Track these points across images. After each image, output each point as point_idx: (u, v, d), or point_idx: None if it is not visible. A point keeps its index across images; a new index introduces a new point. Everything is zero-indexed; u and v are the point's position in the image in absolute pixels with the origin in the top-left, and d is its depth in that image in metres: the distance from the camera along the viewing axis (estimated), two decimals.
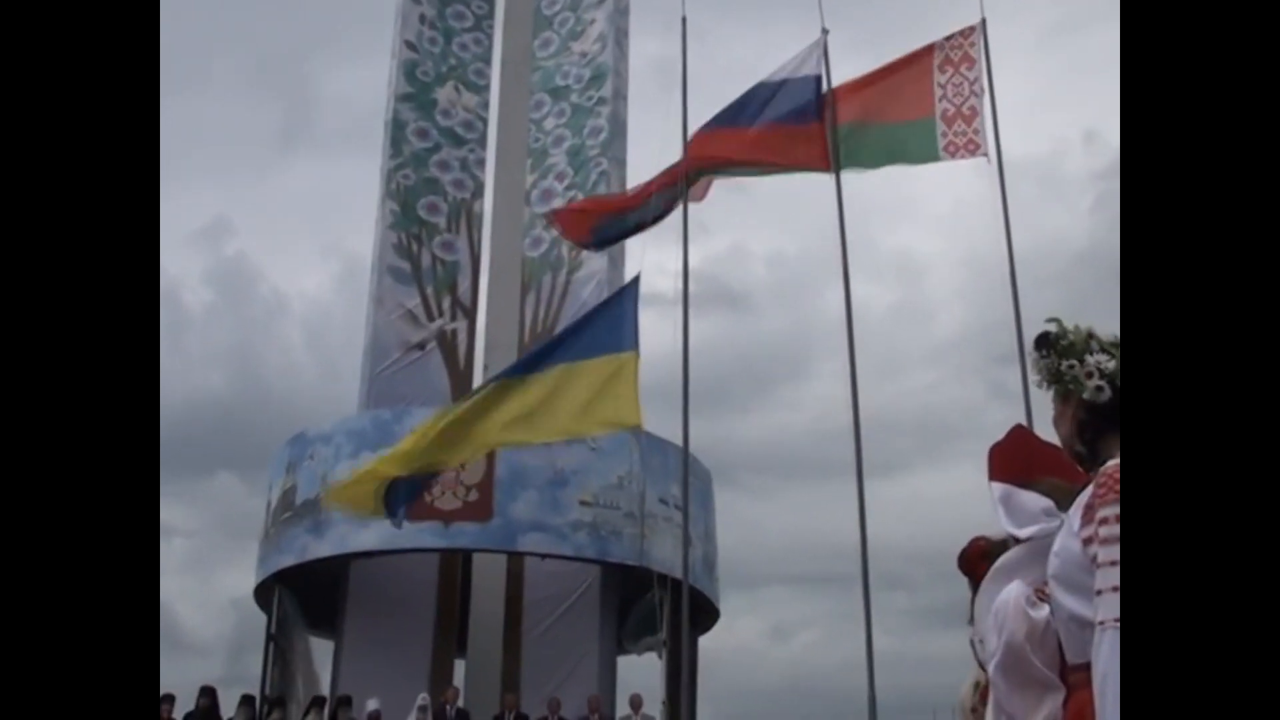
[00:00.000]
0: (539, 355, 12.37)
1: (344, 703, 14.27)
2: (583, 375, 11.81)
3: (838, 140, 13.48)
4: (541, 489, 15.58)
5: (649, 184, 13.82)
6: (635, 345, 11.87)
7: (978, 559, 3.43)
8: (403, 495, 11.60)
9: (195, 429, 35.16)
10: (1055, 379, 2.44)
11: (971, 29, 13.85)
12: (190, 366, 40.97)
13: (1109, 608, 2.03)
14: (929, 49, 13.84)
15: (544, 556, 15.95)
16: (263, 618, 17.11)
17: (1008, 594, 2.78)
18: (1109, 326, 2.42)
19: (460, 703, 14.93)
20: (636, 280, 12.67)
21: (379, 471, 11.53)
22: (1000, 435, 3.32)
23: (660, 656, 15.68)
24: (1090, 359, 2.40)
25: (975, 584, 3.46)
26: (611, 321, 12.19)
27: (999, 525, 3.15)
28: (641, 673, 17.42)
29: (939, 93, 13.58)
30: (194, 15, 45.71)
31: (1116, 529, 2.06)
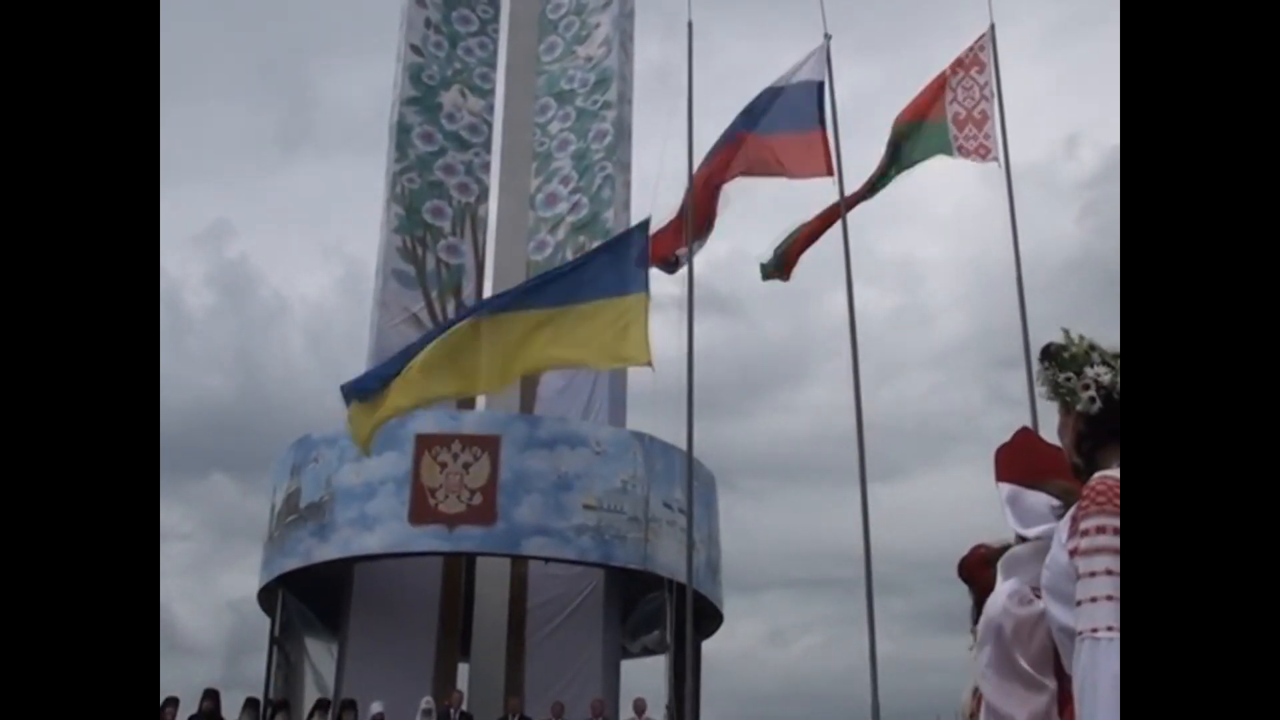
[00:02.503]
0: (541, 291, 12.46)
1: (348, 706, 14.26)
2: (589, 316, 12.02)
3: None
4: (545, 493, 15.58)
5: (670, 231, 13.89)
6: (645, 287, 12.12)
7: (978, 566, 3.43)
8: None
9: (188, 430, 35.18)
10: (1055, 391, 2.46)
11: (981, 35, 13.88)
12: (191, 368, 41.04)
13: (1087, 618, 2.05)
14: (944, 74, 13.96)
15: (548, 560, 15.95)
16: (261, 620, 17.12)
17: (999, 590, 2.79)
18: (1102, 336, 2.43)
19: (464, 706, 14.93)
20: (646, 224, 12.85)
21: (391, 406, 11.78)
22: (1001, 440, 3.32)
23: (659, 653, 15.69)
24: (1089, 371, 2.41)
25: (975, 591, 3.46)
26: (619, 263, 12.37)
27: (1005, 526, 3.15)
28: (645, 676, 17.43)
29: (950, 95, 13.62)
30: (196, 18, 45.85)
31: (1097, 540, 2.08)
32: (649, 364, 12.00)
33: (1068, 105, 46.69)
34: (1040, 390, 2.52)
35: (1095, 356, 2.42)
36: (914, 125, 13.77)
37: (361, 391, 12.03)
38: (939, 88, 13.75)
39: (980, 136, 13.37)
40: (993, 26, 13.82)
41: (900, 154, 13.83)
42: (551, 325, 11.90)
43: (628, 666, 17.38)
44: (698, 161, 13.82)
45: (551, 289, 12.35)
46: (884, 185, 13.94)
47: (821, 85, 13.87)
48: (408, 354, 12.26)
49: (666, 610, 15.36)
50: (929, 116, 13.67)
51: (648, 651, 17.53)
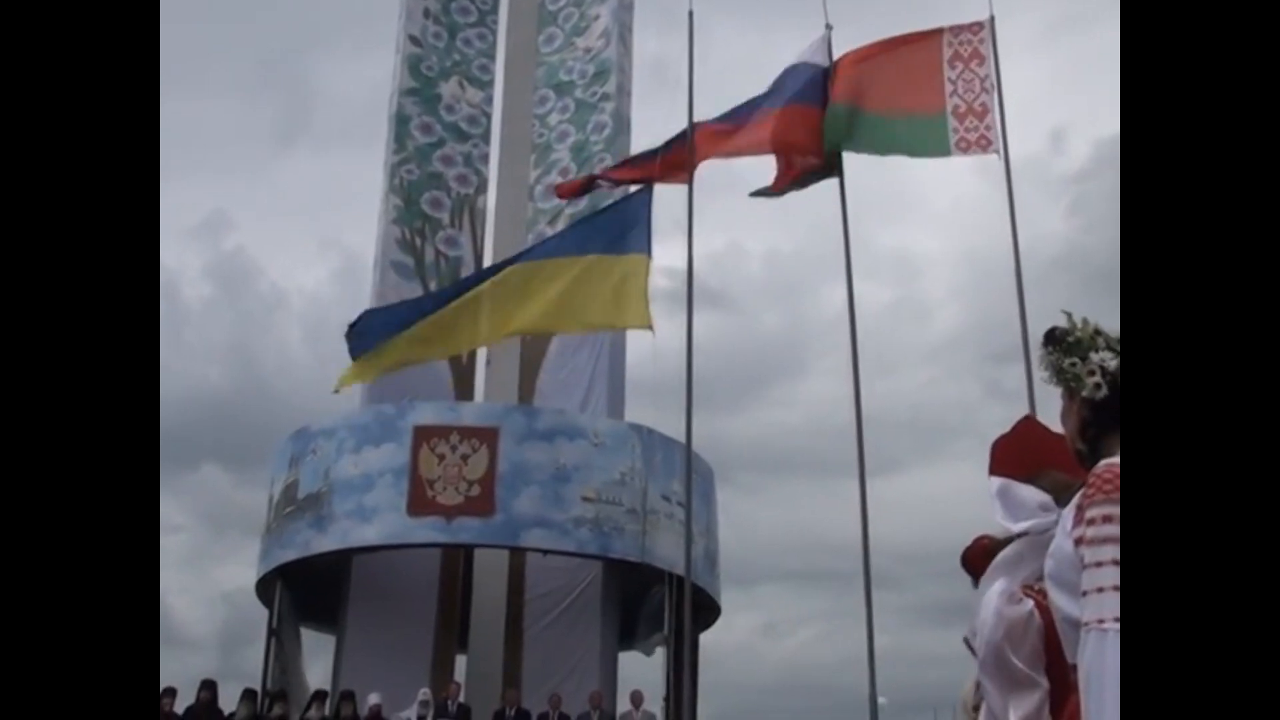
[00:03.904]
0: (543, 247, 12.72)
1: (346, 697, 14.27)
2: (594, 270, 12.32)
3: (837, 119, 13.43)
4: (544, 485, 15.58)
5: (649, 166, 13.70)
6: (648, 250, 12.37)
7: (980, 557, 3.42)
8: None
9: (182, 422, 35.02)
10: (1059, 376, 2.43)
11: (980, 25, 13.81)
12: (187, 360, 40.94)
13: (1094, 609, 2.03)
14: (935, 36, 13.77)
15: (546, 552, 15.95)
16: (253, 612, 17.13)
17: (989, 594, 2.79)
18: (1114, 326, 2.41)
19: (461, 698, 14.95)
20: (650, 189, 13.08)
21: (399, 357, 12.15)
22: (995, 433, 3.31)
23: (663, 647, 15.72)
24: (1094, 356, 2.38)
25: (978, 582, 3.46)
26: (624, 223, 12.65)
27: (995, 519, 3.15)
28: (642, 669, 17.45)
29: (949, 88, 13.52)
30: (194, 10, 45.70)
31: (1104, 529, 2.06)
32: (649, 328, 12.19)
33: (1054, 101, 46.69)
34: (1043, 375, 2.49)
35: (1100, 341, 2.39)
36: (899, 118, 13.61)
37: (372, 345, 12.24)
38: (929, 78, 13.60)
39: (981, 128, 13.31)
40: (992, 18, 13.78)
41: (878, 137, 13.63)
42: (554, 282, 12.13)
43: (625, 659, 17.41)
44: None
45: (552, 244, 12.60)
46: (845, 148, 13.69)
47: (826, 71, 13.85)
48: (418, 308, 12.39)
49: (666, 603, 15.38)
50: (919, 109, 13.53)
51: (659, 646, 17.54)
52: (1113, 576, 2.01)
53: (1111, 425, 2.32)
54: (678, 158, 13.34)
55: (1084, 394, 2.37)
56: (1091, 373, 2.37)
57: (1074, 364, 2.39)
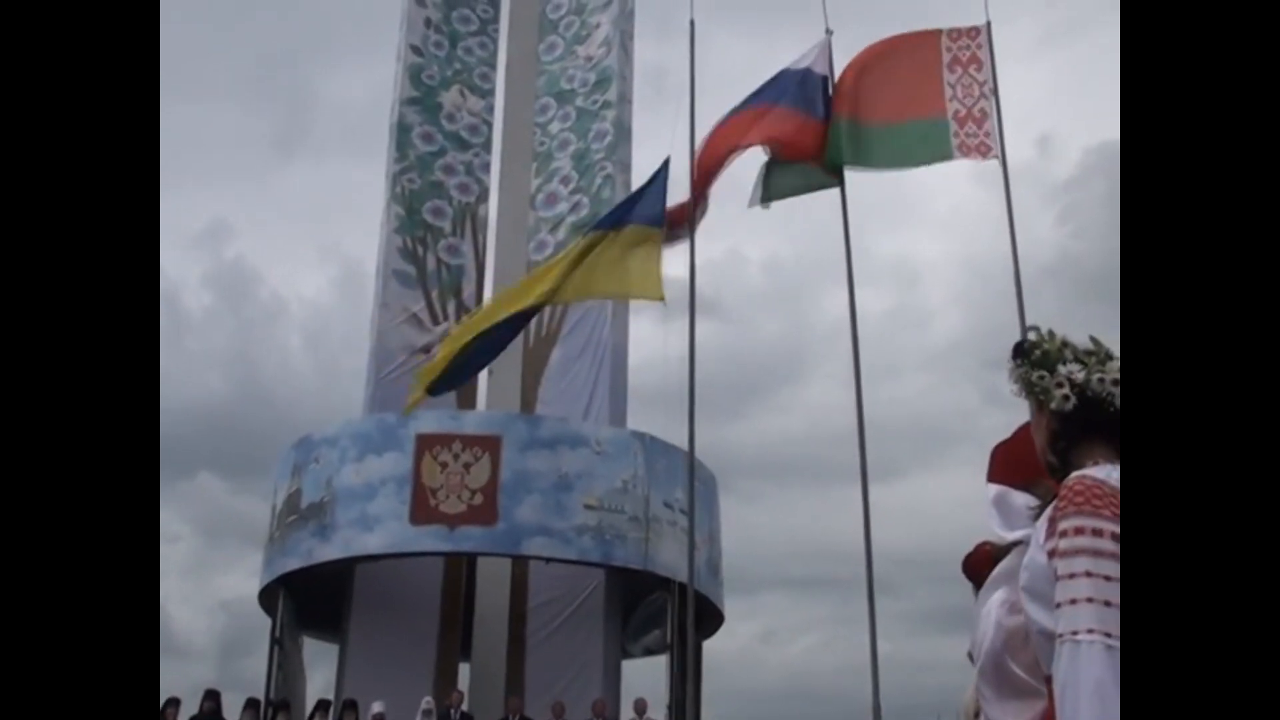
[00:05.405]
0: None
1: (349, 706, 14.26)
2: (621, 242, 13.23)
3: (839, 135, 13.49)
4: (546, 493, 15.57)
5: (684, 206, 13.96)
6: (661, 224, 13.23)
7: (982, 564, 3.41)
8: (462, 373, 13.72)
9: (180, 430, 35.03)
10: (1028, 389, 2.44)
11: (977, 30, 13.83)
12: (188, 368, 40.97)
13: (1067, 621, 2.03)
14: (933, 36, 13.80)
15: (548, 560, 15.94)
16: (253, 621, 17.14)
17: (989, 604, 2.78)
18: (1083, 338, 2.42)
19: (465, 706, 14.93)
20: (666, 163, 13.68)
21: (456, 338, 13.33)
22: (994, 439, 3.30)
23: (660, 653, 15.70)
24: (1062, 369, 2.39)
25: (979, 588, 3.44)
26: (647, 197, 13.52)
27: (991, 527, 3.14)
28: (646, 676, 17.43)
29: (949, 92, 13.54)
30: (194, 18, 45.79)
31: (1076, 541, 2.06)
32: (661, 299, 12.82)
33: (1043, 109, 46.79)
34: (1011, 389, 2.51)
35: (1068, 354, 2.40)
36: (902, 125, 13.63)
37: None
38: (929, 81, 13.61)
39: (980, 134, 13.32)
40: (989, 24, 13.80)
41: (882, 150, 13.66)
42: (598, 249, 13.18)
43: (628, 666, 17.39)
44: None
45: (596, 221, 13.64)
46: (860, 165, 13.76)
47: (826, 79, 13.92)
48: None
49: (669, 610, 15.37)
50: (921, 114, 13.55)
51: (649, 652, 17.54)
52: (1086, 588, 2.02)
53: (1080, 436, 2.33)
54: (680, 214, 13.72)
55: (1053, 406, 2.38)
56: (1060, 385, 2.37)
57: (1042, 377, 2.40)
